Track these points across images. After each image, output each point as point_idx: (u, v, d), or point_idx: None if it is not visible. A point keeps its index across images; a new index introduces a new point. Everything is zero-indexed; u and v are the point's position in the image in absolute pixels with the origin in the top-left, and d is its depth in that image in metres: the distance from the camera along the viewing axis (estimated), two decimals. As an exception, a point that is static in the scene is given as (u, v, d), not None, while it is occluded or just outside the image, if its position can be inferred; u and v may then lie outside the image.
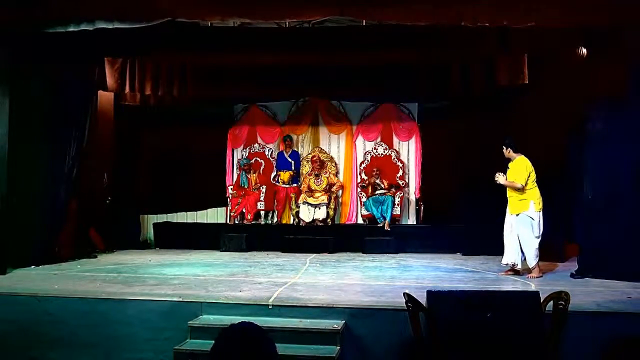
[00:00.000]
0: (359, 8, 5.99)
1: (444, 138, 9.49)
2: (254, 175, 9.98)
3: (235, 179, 10.28)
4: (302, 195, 9.56)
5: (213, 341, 1.82)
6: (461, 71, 8.45)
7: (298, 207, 9.53)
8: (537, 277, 6.08)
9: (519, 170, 6.17)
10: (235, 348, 1.78)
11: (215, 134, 10.34)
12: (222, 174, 10.34)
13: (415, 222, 9.76)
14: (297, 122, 10.36)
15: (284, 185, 9.94)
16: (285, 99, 10.31)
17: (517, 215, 6.18)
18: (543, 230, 6.17)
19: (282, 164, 10.11)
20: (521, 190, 6.12)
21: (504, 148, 6.39)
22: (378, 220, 9.23)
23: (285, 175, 9.99)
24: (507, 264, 6.35)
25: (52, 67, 7.24)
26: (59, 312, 4.93)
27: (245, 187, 9.87)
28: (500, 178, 6.26)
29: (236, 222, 9.72)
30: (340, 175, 10.16)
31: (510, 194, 6.28)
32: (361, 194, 9.74)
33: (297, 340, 4.31)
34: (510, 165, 6.35)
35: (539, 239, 6.14)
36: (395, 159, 9.97)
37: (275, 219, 10.08)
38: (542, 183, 6.26)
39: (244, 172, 9.94)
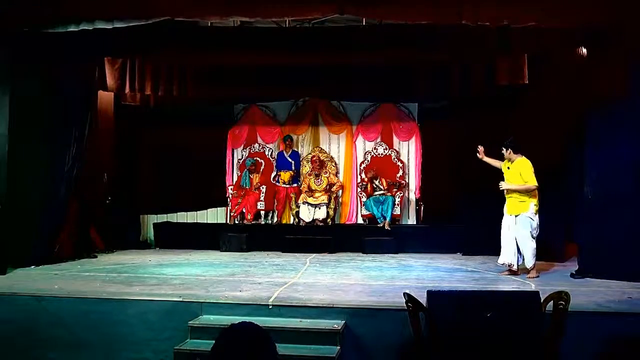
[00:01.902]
0: (359, 6, 5.99)
1: (444, 138, 9.49)
2: (257, 175, 9.99)
3: (235, 179, 10.29)
4: (302, 195, 9.56)
5: (213, 341, 1.82)
6: (461, 71, 8.45)
7: (298, 207, 9.53)
8: (534, 278, 6.08)
9: (526, 171, 6.10)
10: (235, 348, 1.78)
11: (215, 134, 10.34)
12: (222, 174, 10.34)
13: (415, 222, 9.77)
14: (297, 122, 10.37)
15: (284, 185, 9.94)
16: (285, 99, 10.31)
17: (517, 216, 6.15)
18: (541, 230, 6.17)
19: (282, 164, 10.11)
20: (532, 191, 6.06)
21: (504, 149, 6.32)
22: (378, 220, 9.22)
23: (285, 175, 9.99)
24: (503, 264, 6.35)
25: (52, 67, 7.24)
26: (59, 312, 4.93)
27: (247, 187, 9.88)
28: (504, 184, 6.21)
29: (236, 222, 9.72)
30: (340, 175, 10.16)
31: (510, 194, 6.24)
32: (361, 194, 9.74)
33: (297, 340, 4.31)
34: (510, 166, 6.30)
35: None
36: (395, 159, 9.98)
37: (275, 219, 10.08)
38: (542, 183, 6.25)
39: (247, 172, 9.95)
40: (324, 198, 9.43)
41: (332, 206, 9.51)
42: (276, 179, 10.09)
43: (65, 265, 7.10)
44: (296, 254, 8.36)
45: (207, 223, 10.34)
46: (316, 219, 9.36)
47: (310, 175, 9.83)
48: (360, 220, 9.92)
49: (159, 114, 9.86)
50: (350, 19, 7.62)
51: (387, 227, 9.03)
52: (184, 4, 6.00)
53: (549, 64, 7.51)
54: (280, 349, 1.97)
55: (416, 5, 5.85)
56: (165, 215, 10.36)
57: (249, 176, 9.94)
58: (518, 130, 7.32)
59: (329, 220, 9.42)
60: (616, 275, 5.86)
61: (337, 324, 4.45)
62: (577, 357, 4.01)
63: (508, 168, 6.31)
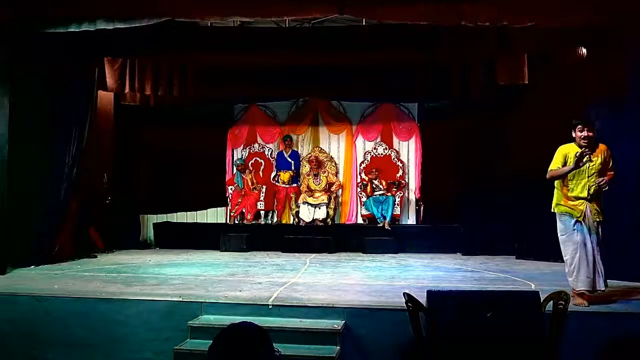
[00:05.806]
0: (358, 7, 5.99)
1: (444, 138, 9.49)
2: (250, 175, 9.95)
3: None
4: (302, 195, 9.56)
5: (213, 341, 1.82)
6: (461, 71, 8.46)
7: (298, 207, 9.53)
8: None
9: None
10: (234, 348, 1.78)
11: (215, 134, 10.36)
12: (222, 174, 10.34)
13: (415, 222, 9.77)
14: (297, 122, 10.37)
15: (284, 185, 9.94)
16: (285, 99, 10.32)
17: (599, 222, 4.66)
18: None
19: (282, 164, 10.12)
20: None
21: (587, 130, 4.66)
22: (378, 220, 9.22)
23: (285, 175, 9.99)
24: (592, 289, 4.62)
25: (52, 67, 7.24)
26: (59, 312, 4.93)
27: (240, 187, 9.87)
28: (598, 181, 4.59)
29: (236, 222, 9.72)
30: (340, 175, 10.16)
31: (596, 194, 4.68)
32: (361, 193, 9.74)
33: (297, 340, 4.31)
34: (595, 155, 4.69)
35: None
36: (395, 159, 9.98)
37: (275, 219, 10.08)
38: (542, 183, 6.23)
39: (239, 172, 9.94)
40: (323, 198, 9.43)
41: (332, 206, 9.51)
42: (276, 179, 10.09)
43: (65, 265, 7.10)
44: (296, 254, 8.36)
45: (207, 223, 10.34)
46: (316, 219, 9.36)
47: (309, 175, 9.83)
48: (360, 220, 9.91)
49: (159, 114, 9.87)
50: (350, 19, 7.62)
51: (387, 227, 9.03)
52: (184, 5, 6.00)
53: (549, 64, 7.51)
54: (280, 349, 1.97)
55: (416, 5, 5.84)
56: (165, 215, 10.36)
57: (241, 176, 9.90)
58: (518, 130, 7.32)
59: (329, 220, 9.42)
60: (617, 275, 5.85)
61: (337, 324, 4.45)
62: (577, 357, 4.00)
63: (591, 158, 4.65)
